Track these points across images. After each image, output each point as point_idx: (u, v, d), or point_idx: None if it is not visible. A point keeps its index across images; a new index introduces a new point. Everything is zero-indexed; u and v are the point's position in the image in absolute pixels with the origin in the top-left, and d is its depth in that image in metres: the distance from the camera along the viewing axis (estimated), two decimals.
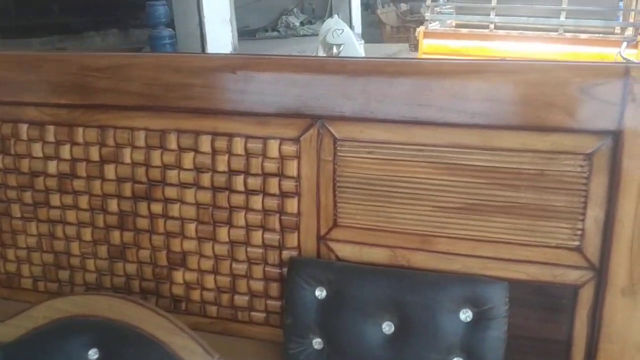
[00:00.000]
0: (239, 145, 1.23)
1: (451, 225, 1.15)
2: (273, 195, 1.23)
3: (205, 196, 1.27)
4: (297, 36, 8.83)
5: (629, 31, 4.84)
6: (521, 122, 1.07)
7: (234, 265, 1.29)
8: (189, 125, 1.25)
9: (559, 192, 1.08)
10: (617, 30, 4.93)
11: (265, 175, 1.23)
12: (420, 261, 1.17)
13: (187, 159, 1.26)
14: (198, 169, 1.26)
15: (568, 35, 4.92)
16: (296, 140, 1.20)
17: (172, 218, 1.31)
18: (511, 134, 1.08)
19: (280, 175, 1.22)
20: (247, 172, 1.24)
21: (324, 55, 3.57)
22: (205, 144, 1.25)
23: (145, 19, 5.62)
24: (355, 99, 1.14)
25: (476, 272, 1.14)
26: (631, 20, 4.90)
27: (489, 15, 5.16)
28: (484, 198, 1.12)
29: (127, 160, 1.30)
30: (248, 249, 1.27)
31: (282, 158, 1.21)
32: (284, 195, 1.23)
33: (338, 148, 1.18)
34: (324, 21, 4.17)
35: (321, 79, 1.16)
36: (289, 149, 1.21)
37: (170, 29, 5.58)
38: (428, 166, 1.14)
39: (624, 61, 3.72)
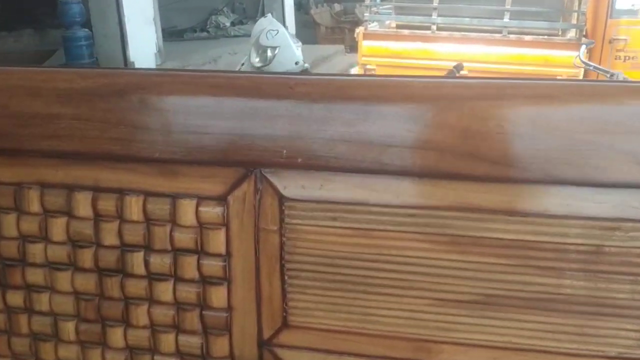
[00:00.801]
0: (134, 207, 0.83)
1: (460, 326, 0.79)
2: (189, 281, 0.84)
3: (87, 282, 0.87)
4: (227, 37, 8.45)
5: (572, 33, 4.77)
6: (565, 173, 0.72)
7: None
8: (58, 177, 0.85)
9: (623, 279, 0.74)
10: (561, 32, 4.86)
11: (177, 251, 0.83)
12: None
13: (57, 227, 0.86)
14: (74, 242, 0.86)
15: (512, 37, 4.85)
16: (222, 200, 0.81)
17: (40, 313, 0.90)
18: (550, 191, 0.73)
19: (200, 251, 0.83)
20: (148, 247, 0.84)
21: (258, 60, 3.15)
22: (83, 204, 0.84)
23: (59, 19, 5.20)
24: (310, 138, 0.76)
25: None
26: (574, 21, 4.82)
27: (431, 15, 5.00)
28: (509, 287, 0.77)
29: None
30: (156, 359, 0.88)
31: (202, 226, 0.82)
32: (205, 281, 0.83)
33: (286, 211, 0.80)
34: (256, 21, 3.78)
35: (258, 107, 0.77)
36: (212, 212, 0.81)
37: (86, 30, 5.26)
38: (424, 239, 0.77)
39: (585, 66, 3.53)
